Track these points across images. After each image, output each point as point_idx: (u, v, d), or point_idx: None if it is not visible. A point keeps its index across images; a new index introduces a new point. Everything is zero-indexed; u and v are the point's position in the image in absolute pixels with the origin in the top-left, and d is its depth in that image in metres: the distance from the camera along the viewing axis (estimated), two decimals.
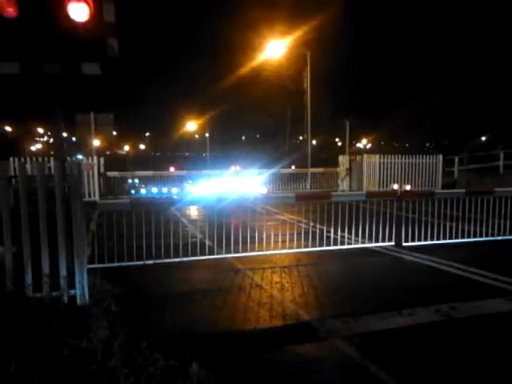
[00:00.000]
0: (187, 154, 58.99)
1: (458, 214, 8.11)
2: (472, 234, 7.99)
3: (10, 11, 4.13)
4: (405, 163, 16.75)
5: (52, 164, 10.93)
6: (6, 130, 42.46)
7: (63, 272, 4.52)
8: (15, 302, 4.03)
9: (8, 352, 3.19)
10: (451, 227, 7.90)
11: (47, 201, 4.46)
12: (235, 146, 43.90)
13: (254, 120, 36.88)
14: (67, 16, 4.28)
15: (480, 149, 22.70)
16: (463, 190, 8.73)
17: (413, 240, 7.69)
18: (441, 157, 17.20)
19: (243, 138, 47.02)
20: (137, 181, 18.14)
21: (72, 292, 4.55)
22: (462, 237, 7.92)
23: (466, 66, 29.59)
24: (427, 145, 36.13)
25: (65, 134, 5.14)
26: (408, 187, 15.57)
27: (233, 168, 18.84)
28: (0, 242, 4.44)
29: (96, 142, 17.66)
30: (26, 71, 4.34)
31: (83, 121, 15.94)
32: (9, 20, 4.18)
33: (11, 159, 13.41)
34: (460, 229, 7.92)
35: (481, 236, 8.01)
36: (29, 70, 4.36)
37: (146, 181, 17.58)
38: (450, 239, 7.84)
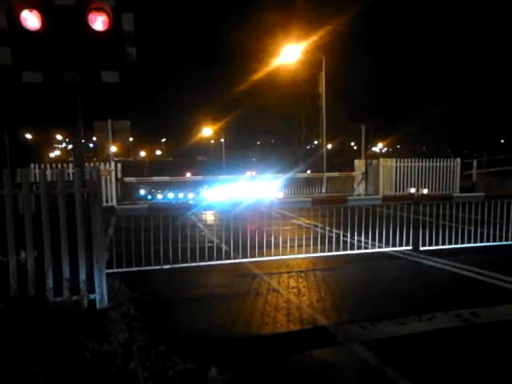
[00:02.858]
0: (200, 158, 58.67)
1: (477, 217, 7.98)
2: (491, 238, 7.85)
3: (34, 23, 4.25)
4: (422, 167, 16.56)
5: (71, 170, 11.20)
6: (26, 138, 43.40)
7: (83, 276, 4.60)
8: (38, 305, 4.11)
9: (32, 354, 3.26)
10: (470, 231, 7.78)
11: (67, 206, 4.55)
12: (250, 151, 44.00)
13: (269, 125, 36.85)
14: (87, 26, 4.38)
15: (500, 152, 22.33)
16: (482, 194, 8.59)
17: (430, 244, 7.60)
18: (459, 160, 16.97)
19: (258, 143, 46.96)
20: (142, 192, 17.04)
21: (91, 296, 4.62)
22: (481, 241, 7.79)
23: (483, 69, 29.19)
24: (448, 150, 35.75)
25: (83, 141, 5.26)
26: (425, 191, 15.40)
27: (248, 173, 18.89)
28: (22, 247, 4.54)
29: (113, 149, 17.91)
30: (48, 80, 4.45)
31: (101, 128, 16.27)
32: (32, 31, 4.30)
33: (32, 166, 13.76)
34: (479, 233, 7.80)
35: (500, 240, 7.88)
36: (51, 79, 4.47)
37: (163, 186, 17.60)
38: (468, 243, 7.72)
